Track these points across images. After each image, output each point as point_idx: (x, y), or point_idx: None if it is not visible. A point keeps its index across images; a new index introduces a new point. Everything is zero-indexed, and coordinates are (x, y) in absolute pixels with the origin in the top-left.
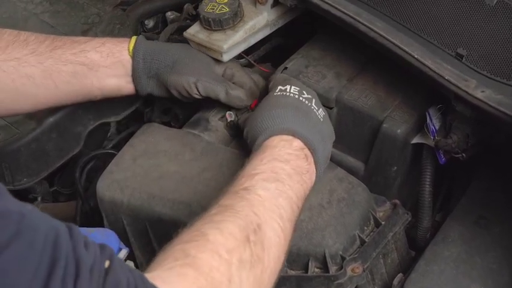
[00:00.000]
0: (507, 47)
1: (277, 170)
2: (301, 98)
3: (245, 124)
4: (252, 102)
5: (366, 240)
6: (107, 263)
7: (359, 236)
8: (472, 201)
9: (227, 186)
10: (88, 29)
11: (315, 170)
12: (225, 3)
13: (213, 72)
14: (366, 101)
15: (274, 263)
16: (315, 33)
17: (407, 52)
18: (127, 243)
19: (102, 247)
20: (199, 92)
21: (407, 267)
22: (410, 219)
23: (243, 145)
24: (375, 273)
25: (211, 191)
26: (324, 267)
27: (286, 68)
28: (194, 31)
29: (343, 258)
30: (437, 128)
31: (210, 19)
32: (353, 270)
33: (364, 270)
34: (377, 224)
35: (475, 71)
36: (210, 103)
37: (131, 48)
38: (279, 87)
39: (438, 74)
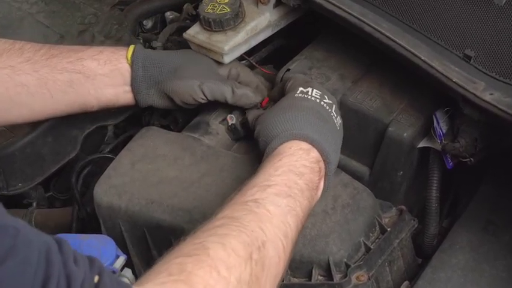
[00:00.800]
0: None
1: (291, 184)
2: (322, 103)
3: (257, 122)
4: (260, 100)
5: (372, 247)
6: (96, 278)
7: (364, 243)
8: (480, 207)
9: (237, 193)
10: (85, 30)
11: (323, 184)
12: (226, 3)
13: (217, 74)
14: (372, 103)
15: (270, 283)
16: (319, 34)
17: (413, 53)
18: (125, 250)
19: (91, 261)
20: (205, 96)
21: (413, 274)
22: (416, 225)
23: (245, 149)
24: (381, 281)
25: (211, 197)
26: (328, 275)
27: (289, 69)
28: (194, 32)
29: (348, 266)
30: (444, 131)
31: (210, 20)
32: (357, 278)
33: (369, 278)
34: (383, 230)
35: (484, 72)
36: (210, 105)
37: (129, 56)
38: (301, 88)
39: (445, 76)
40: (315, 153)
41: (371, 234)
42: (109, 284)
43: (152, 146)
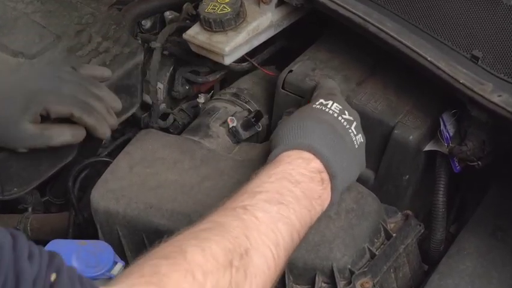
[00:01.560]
0: None
1: (284, 191)
2: (340, 118)
3: (275, 130)
4: (75, 139)
5: (377, 253)
6: (53, 276)
7: (369, 249)
8: (488, 212)
9: (227, 199)
10: (82, 30)
11: (329, 197)
12: (227, 3)
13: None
14: (376, 105)
15: None
16: (322, 34)
17: (419, 54)
18: (123, 257)
19: (52, 257)
20: None
21: (419, 281)
22: (422, 231)
23: (246, 152)
24: None
25: (211, 201)
26: (332, 282)
27: (291, 71)
28: (194, 32)
29: (352, 273)
30: (451, 134)
31: (210, 20)
32: (362, 285)
33: (374, 285)
34: (388, 236)
35: (491, 74)
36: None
37: None
38: (321, 100)
39: (452, 77)
40: (316, 164)
41: (375, 240)
42: (68, 283)
43: (151, 149)
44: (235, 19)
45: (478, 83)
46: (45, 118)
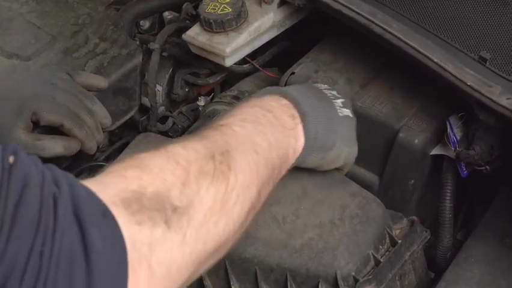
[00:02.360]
0: None
1: (258, 114)
2: (325, 91)
3: None
4: (67, 151)
5: (381, 260)
6: (11, 158)
7: (374, 256)
8: (496, 218)
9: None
10: (78, 30)
11: (303, 137)
12: (227, 3)
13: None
14: (381, 108)
15: (243, 189)
16: (325, 35)
17: (425, 55)
18: None
19: (5, 145)
20: None
21: None
22: (429, 237)
23: None
24: None
25: None
26: None
27: (293, 73)
28: (194, 33)
29: (356, 280)
30: (458, 138)
31: (211, 20)
32: None
33: None
34: (393, 242)
35: (500, 76)
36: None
37: None
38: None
39: (459, 79)
40: (286, 101)
41: (380, 247)
42: (29, 163)
43: None
44: (236, 19)
45: (486, 85)
46: (36, 125)
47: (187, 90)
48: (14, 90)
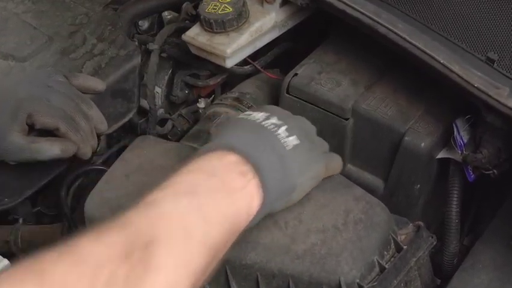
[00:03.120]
0: None
1: (197, 182)
2: (264, 123)
3: None
4: (64, 154)
5: (386, 266)
6: None
7: (378, 262)
8: (504, 223)
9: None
10: (76, 31)
11: (261, 193)
12: (228, 3)
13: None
14: (386, 111)
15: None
16: (329, 35)
17: (431, 56)
18: None
19: None
20: None
21: None
22: (435, 243)
23: None
24: None
25: None
26: None
27: (296, 74)
28: (194, 33)
29: (360, 287)
30: (465, 141)
31: (211, 20)
32: None
33: None
34: (398, 248)
35: (508, 77)
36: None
37: None
38: (247, 112)
39: (466, 81)
40: (233, 157)
41: (385, 253)
42: None
43: (149, 156)
44: (237, 19)
45: (493, 87)
46: (32, 128)
47: (186, 92)
48: (9, 92)
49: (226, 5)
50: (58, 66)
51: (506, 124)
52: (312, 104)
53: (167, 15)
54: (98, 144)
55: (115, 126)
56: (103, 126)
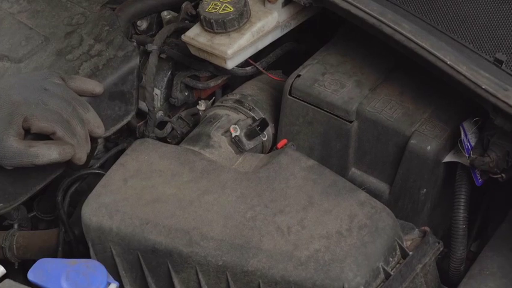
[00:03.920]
0: None
1: None
2: None
3: None
4: (61, 158)
5: (392, 273)
6: None
7: (383, 269)
8: None
9: None
10: (72, 31)
11: None
12: (229, 2)
13: None
14: (391, 113)
15: None
16: (333, 36)
17: (438, 57)
18: (117, 277)
19: None
20: None
21: None
22: (441, 249)
23: (250, 164)
24: None
25: (212, 217)
26: None
27: (299, 75)
28: (193, 34)
29: None
30: (472, 144)
31: (211, 20)
32: None
33: None
34: (404, 254)
35: None
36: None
37: None
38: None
39: (474, 82)
40: None
41: (390, 259)
42: None
43: (147, 160)
44: (239, 19)
45: (501, 88)
46: (28, 132)
47: (186, 94)
48: (3, 95)
49: (227, 4)
50: (54, 68)
51: None
52: (315, 106)
53: (166, 15)
54: (96, 147)
55: (113, 129)
56: (100, 130)
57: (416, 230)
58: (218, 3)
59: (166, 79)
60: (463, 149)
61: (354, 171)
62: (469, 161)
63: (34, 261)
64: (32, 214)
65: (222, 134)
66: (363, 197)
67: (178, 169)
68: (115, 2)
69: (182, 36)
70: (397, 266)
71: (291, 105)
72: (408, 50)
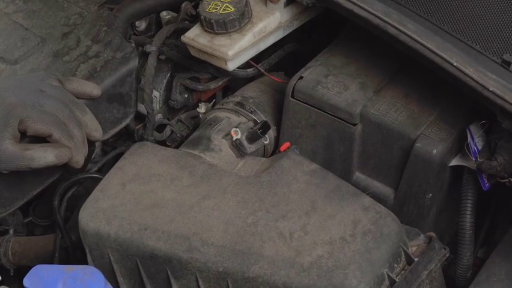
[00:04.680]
0: None
1: None
2: None
3: None
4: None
5: (397, 279)
6: None
7: (388, 275)
8: None
9: None
10: (69, 32)
11: None
12: (230, 2)
13: None
14: (396, 116)
15: None
16: (336, 37)
17: (444, 59)
18: (115, 284)
19: None
20: None
21: None
22: (448, 255)
23: (251, 168)
24: None
25: (213, 222)
26: None
27: (302, 77)
28: (193, 35)
29: None
30: (479, 148)
31: (212, 20)
32: None
33: None
34: (409, 260)
35: None
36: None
37: None
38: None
39: (481, 84)
40: None
41: (395, 265)
42: None
43: (146, 164)
44: (240, 20)
45: (509, 90)
46: (24, 135)
47: (186, 96)
48: None
49: (227, 4)
50: (51, 70)
51: None
52: (318, 108)
53: (165, 15)
54: (93, 151)
55: (111, 132)
56: (97, 133)
57: (422, 235)
58: (219, 3)
59: (165, 81)
60: (470, 153)
61: (358, 175)
62: (475, 164)
63: (30, 267)
64: (28, 219)
65: (223, 137)
66: (368, 202)
67: (177, 173)
68: (112, 2)
69: (182, 37)
70: (402, 272)
71: (294, 107)
72: (414, 51)
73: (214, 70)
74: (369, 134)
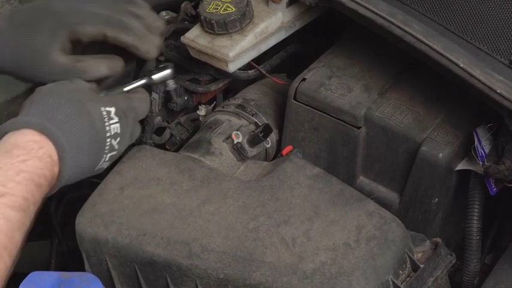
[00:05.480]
0: None
1: (29, 196)
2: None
3: None
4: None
5: (402, 286)
6: None
7: (393, 282)
8: None
9: None
10: None
11: (58, 169)
12: (231, 2)
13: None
14: (401, 119)
15: None
16: (340, 37)
17: (450, 60)
18: None
19: None
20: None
21: None
22: (454, 261)
23: (253, 172)
24: None
25: (213, 227)
26: None
27: (304, 79)
28: (193, 35)
29: None
30: (486, 151)
31: (212, 21)
32: None
33: None
34: (415, 267)
35: None
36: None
37: None
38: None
39: (488, 86)
40: (48, 148)
41: (400, 272)
42: None
43: (145, 168)
44: (241, 20)
45: None
46: (77, 45)
47: (186, 98)
48: (43, 8)
49: (228, 4)
50: None
51: None
52: (321, 111)
53: (164, 15)
54: (133, 68)
55: None
56: (159, 23)
57: (428, 241)
58: (219, 3)
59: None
60: (477, 157)
61: (362, 179)
62: (482, 169)
63: (25, 274)
64: None
65: (223, 141)
66: (372, 207)
67: (177, 177)
68: None
69: (182, 38)
70: (407, 279)
71: (296, 110)
72: (419, 52)
73: (214, 72)
74: (374, 137)
